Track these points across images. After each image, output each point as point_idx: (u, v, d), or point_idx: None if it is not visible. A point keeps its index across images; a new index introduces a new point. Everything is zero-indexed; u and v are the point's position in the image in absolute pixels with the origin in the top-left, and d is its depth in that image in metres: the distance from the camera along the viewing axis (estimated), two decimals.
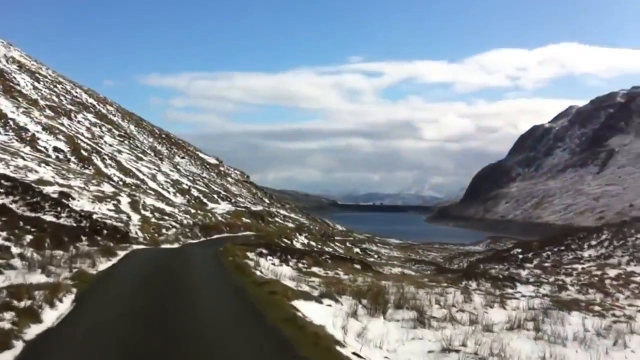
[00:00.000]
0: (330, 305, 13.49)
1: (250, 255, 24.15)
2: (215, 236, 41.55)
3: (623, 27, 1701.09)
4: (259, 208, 74.00)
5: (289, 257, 26.63)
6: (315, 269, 24.46)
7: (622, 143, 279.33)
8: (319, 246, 43.82)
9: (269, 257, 25.34)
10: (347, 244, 53.59)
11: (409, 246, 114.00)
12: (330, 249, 43.66)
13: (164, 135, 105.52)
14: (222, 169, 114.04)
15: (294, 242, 40.83)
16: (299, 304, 12.80)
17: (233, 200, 70.66)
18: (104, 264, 18.71)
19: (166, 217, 39.78)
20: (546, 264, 44.08)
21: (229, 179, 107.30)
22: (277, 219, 71.14)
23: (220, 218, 49.50)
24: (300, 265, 25.12)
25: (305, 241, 43.21)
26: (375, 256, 57.92)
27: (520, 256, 49.09)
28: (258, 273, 18.22)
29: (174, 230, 37.37)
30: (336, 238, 65.44)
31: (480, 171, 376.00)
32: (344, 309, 13.07)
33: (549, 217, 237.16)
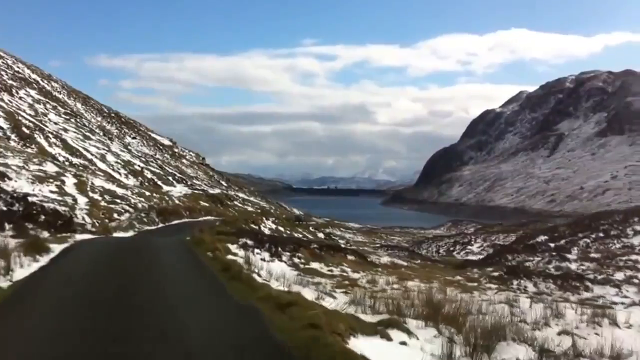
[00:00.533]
0: (404, 344, 8.24)
1: (233, 247, 19.46)
2: (175, 222, 36.94)
3: (571, 14, 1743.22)
4: (217, 191, 70.23)
5: (279, 249, 22.20)
6: (315, 265, 20.88)
7: (571, 127, 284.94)
8: (288, 232, 40.70)
9: (256, 251, 20.71)
10: (311, 228, 50.79)
11: (370, 230, 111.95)
12: (300, 235, 40.55)
13: (113, 115, 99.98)
14: (176, 150, 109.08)
15: (262, 228, 37.44)
16: (360, 345, 7.53)
17: (189, 183, 66.72)
18: (24, 269, 12.22)
19: (118, 201, 35.14)
20: (593, 255, 37.63)
21: (184, 160, 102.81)
22: (236, 202, 67.79)
23: (177, 201, 45.37)
24: (295, 260, 21.24)
25: (273, 226, 39.85)
26: (342, 241, 55.29)
27: (551, 244, 42.53)
28: (259, 279, 12.73)
29: (127, 215, 32.94)
30: (308, 223, 62.67)
31: (434, 155, 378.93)
32: (427, 350, 7.94)
33: (501, 200, 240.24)
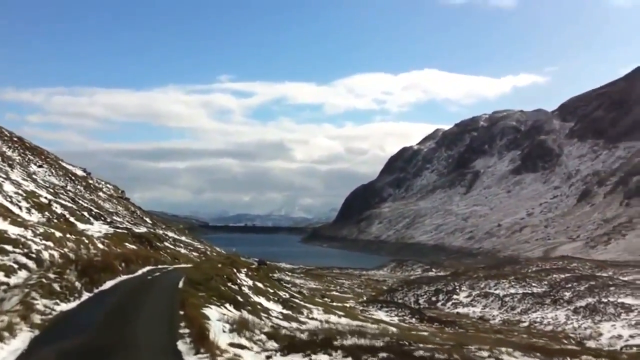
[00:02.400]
0: None
1: None
2: (109, 283, 21.79)
3: (480, 56, 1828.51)
4: (143, 230, 59.48)
5: None
6: None
7: (487, 165, 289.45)
8: (270, 290, 32.27)
9: None
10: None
11: (315, 274, 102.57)
12: (283, 293, 31.77)
13: (15, 139, 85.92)
14: (90, 182, 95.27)
15: (242, 287, 28.64)
16: None
17: (109, 220, 55.52)
18: None
19: (7, 248, 20.90)
20: None
21: (100, 194, 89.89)
22: (167, 243, 57.89)
23: (100, 245, 32.96)
24: None
25: (250, 282, 31.09)
26: (295, 289, 47.04)
27: None
28: None
29: (21, 276, 18.79)
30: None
31: (352, 192, 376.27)
32: None
33: (420, 237, 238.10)
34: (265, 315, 25.08)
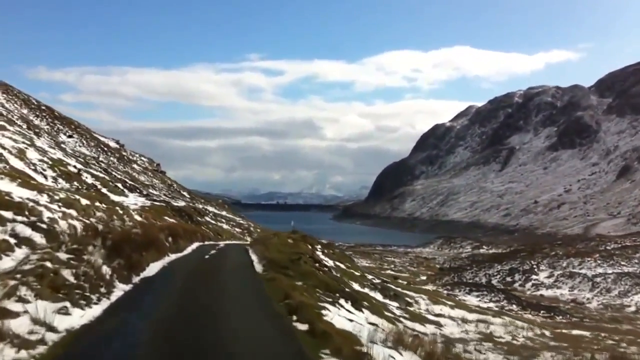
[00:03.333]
0: None
1: None
2: (155, 267, 16.06)
3: (512, 33, 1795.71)
4: (182, 203, 57.70)
5: None
6: None
7: (522, 141, 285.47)
8: (352, 270, 30.15)
9: None
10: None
11: (360, 251, 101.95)
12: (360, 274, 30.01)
13: (44, 107, 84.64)
14: (124, 154, 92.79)
15: (331, 270, 24.48)
16: None
17: (145, 193, 53.96)
18: None
19: (6, 216, 13.91)
20: None
21: (135, 166, 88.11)
22: (207, 218, 57.46)
23: (138, 217, 27.42)
24: None
25: (330, 262, 27.04)
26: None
27: None
28: None
29: (14, 262, 11.38)
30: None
31: (384, 169, 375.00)
32: None
33: (455, 215, 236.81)
34: (388, 313, 21.20)
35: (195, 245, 25.56)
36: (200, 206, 69.91)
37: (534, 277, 56.05)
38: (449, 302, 32.48)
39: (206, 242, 29.28)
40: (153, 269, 15.50)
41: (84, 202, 22.47)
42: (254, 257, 21.32)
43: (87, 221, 18.18)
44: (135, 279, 13.52)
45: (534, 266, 59.87)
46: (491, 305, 39.25)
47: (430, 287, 48.72)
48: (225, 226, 59.65)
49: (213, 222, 56.90)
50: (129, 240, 15.52)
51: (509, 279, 57.01)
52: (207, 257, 21.39)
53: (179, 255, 20.35)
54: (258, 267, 18.58)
